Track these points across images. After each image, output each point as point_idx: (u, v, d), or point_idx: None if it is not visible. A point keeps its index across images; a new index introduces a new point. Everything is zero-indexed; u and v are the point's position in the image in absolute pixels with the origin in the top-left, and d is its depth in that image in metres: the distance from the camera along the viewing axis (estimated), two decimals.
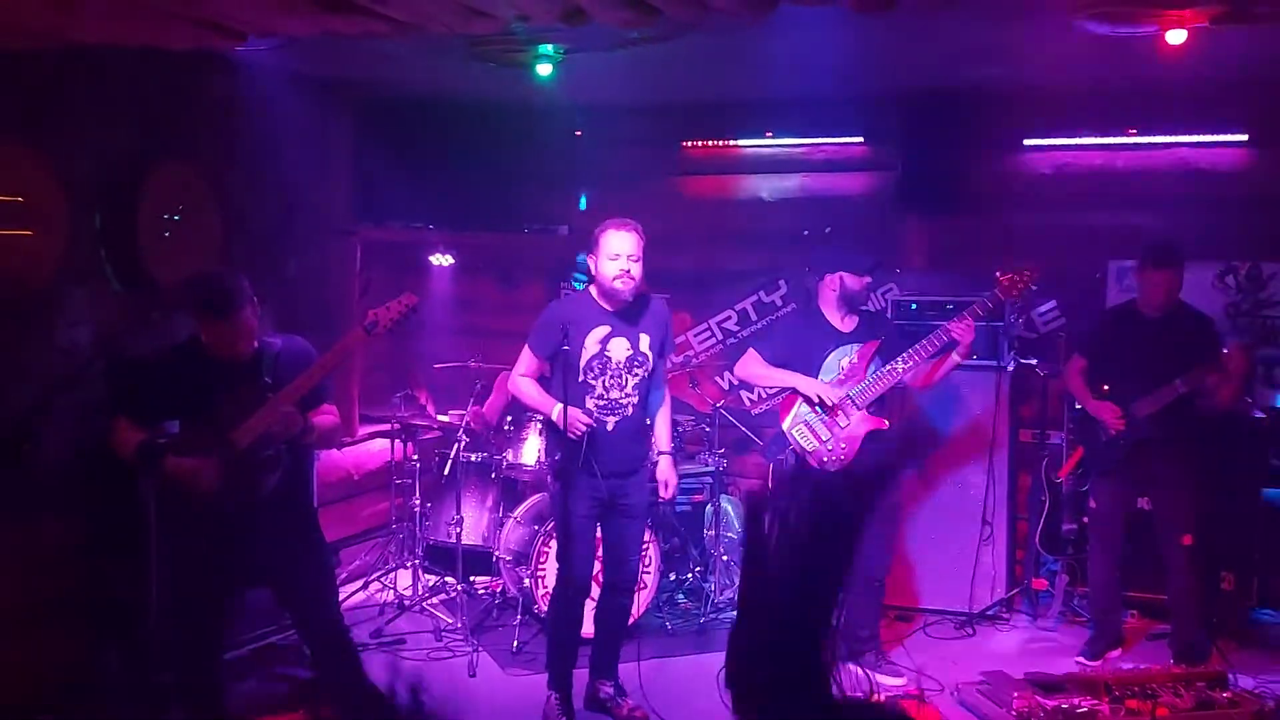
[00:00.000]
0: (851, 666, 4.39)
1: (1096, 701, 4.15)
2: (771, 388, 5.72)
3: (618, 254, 4.14)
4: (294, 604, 3.88)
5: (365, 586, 5.85)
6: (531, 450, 5.70)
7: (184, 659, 3.70)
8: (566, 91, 5.42)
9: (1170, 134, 5.86)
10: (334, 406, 3.83)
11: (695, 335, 6.81)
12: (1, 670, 3.93)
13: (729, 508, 6.07)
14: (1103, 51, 4.52)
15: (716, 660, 5.19)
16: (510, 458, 5.70)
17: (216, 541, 3.58)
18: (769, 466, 6.29)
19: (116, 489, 4.07)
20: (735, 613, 1.64)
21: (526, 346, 4.34)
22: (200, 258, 4.65)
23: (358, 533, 6.20)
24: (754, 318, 6.71)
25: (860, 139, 6.38)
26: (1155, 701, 4.11)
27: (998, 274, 4.58)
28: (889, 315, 5.72)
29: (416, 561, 5.75)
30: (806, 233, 6.43)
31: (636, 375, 4.28)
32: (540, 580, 5.13)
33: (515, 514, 5.56)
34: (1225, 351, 4.73)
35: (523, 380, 4.35)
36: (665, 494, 4.49)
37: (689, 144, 6.72)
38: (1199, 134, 5.82)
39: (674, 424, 4.91)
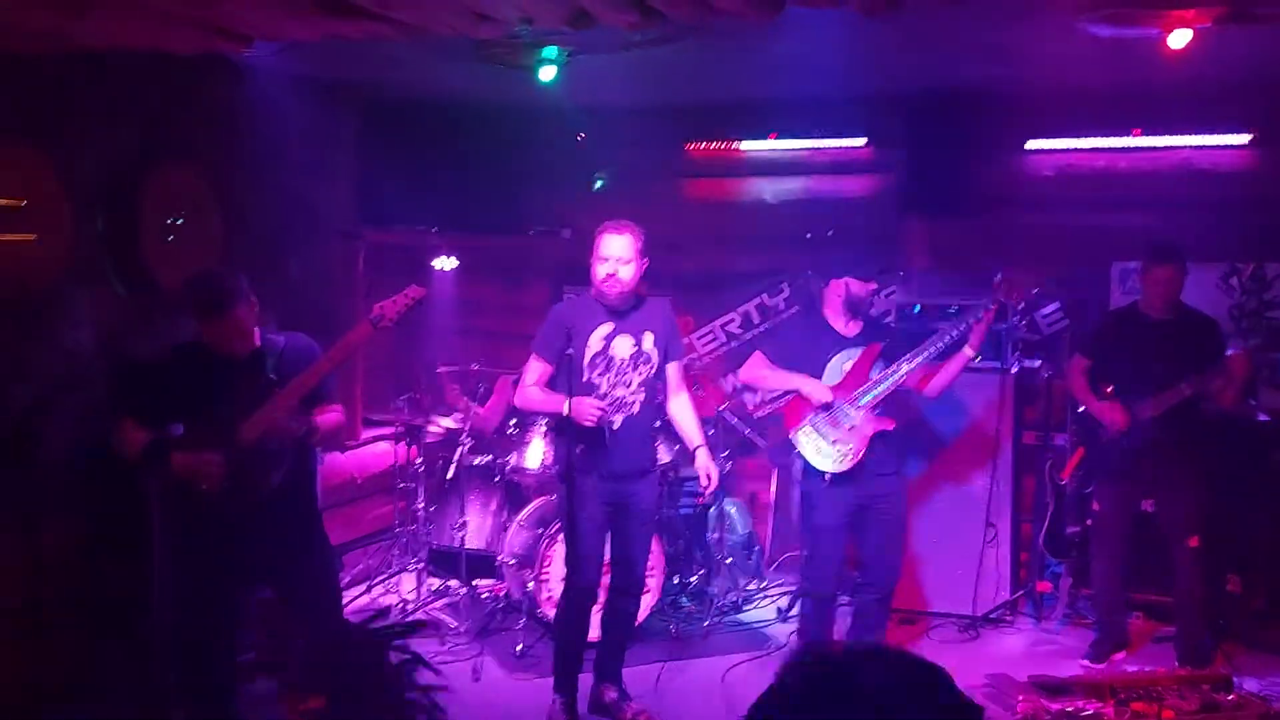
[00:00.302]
0: None
1: (1102, 704, 4.15)
2: (776, 390, 5.73)
3: (606, 256, 4.17)
4: (297, 604, 3.88)
5: (369, 590, 5.85)
6: (536, 453, 5.69)
7: (190, 659, 3.70)
8: (569, 94, 5.41)
9: (1173, 135, 5.84)
10: (339, 405, 3.83)
11: (698, 338, 6.80)
12: (4, 671, 3.93)
13: (732, 511, 6.07)
14: (1105, 53, 4.51)
15: (720, 664, 5.22)
16: (514, 461, 5.69)
17: (220, 540, 3.58)
18: (774, 470, 6.35)
19: (119, 489, 4.08)
20: None
21: (532, 355, 4.33)
22: (202, 260, 4.63)
23: (361, 536, 6.19)
24: (757, 320, 6.71)
25: (864, 141, 6.37)
26: (1160, 704, 4.11)
27: (996, 277, 4.59)
28: (892, 317, 5.73)
29: (420, 565, 5.75)
30: (810, 235, 6.43)
31: (641, 373, 4.28)
32: (544, 584, 5.12)
33: (519, 517, 5.54)
34: (1230, 354, 4.73)
35: (530, 390, 4.32)
36: (708, 484, 4.40)
37: (692, 146, 6.72)
38: (1202, 135, 5.81)
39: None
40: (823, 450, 4.51)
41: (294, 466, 3.68)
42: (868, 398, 4.53)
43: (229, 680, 3.82)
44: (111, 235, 4.44)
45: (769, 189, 6.71)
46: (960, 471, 5.61)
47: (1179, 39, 3.98)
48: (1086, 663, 4.97)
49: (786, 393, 4.75)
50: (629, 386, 4.26)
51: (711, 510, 5.90)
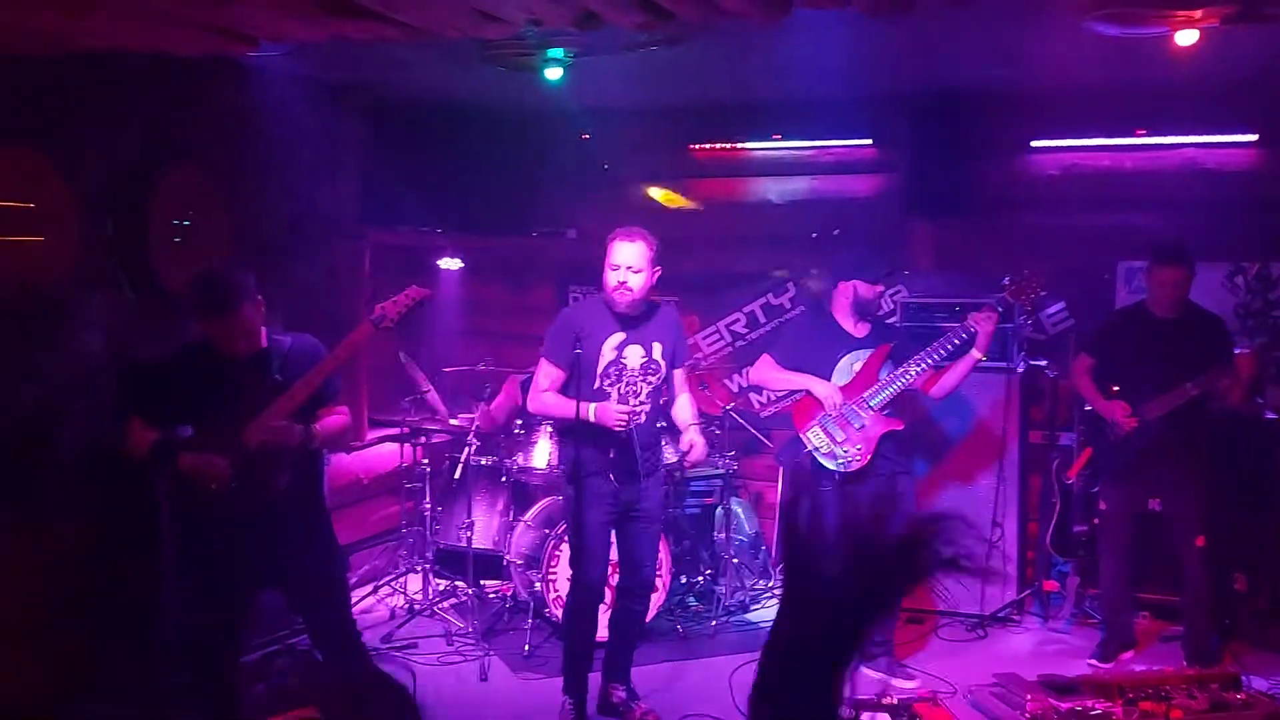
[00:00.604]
0: (864, 670, 4.38)
1: (1110, 704, 4.14)
2: (784, 391, 5.74)
3: (617, 264, 4.17)
4: (305, 607, 3.88)
5: (375, 591, 5.86)
6: (542, 453, 5.70)
7: (198, 661, 3.70)
8: (575, 94, 5.42)
9: (1178, 134, 5.83)
10: (345, 407, 3.83)
11: (704, 338, 6.80)
12: (13, 671, 3.94)
13: (739, 510, 6.08)
14: (1110, 52, 4.50)
15: (727, 663, 5.22)
16: (521, 461, 5.70)
17: (228, 541, 3.57)
18: (781, 470, 6.34)
19: (127, 491, 4.08)
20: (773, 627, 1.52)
21: (542, 359, 4.33)
22: (210, 262, 4.65)
23: (368, 537, 6.20)
24: (762, 320, 6.70)
25: (868, 141, 6.37)
26: (1169, 703, 4.09)
27: (1005, 281, 4.60)
28: (897, 317, 5.73)
29: (427, 566, 5.75)
30: (815, 235, 6.43)
31: (650, 383, 4.29)
32: (551, 584, 5.13)
33: (526, 517, 5.56)
34: (1236, 353, 4.72)
35: (545, 395, 4.31)
36: (692, 455, 4.34)
37: (697, 147, 6.72)
38: (1207, 134, 5.79)
39: None
40: (832, 451, 4.51)
41: (302, 469, 3.67)
42: (877, 399, 4.53)
43: (234, 682, 3.82)
44: (119, 237, 4.44)
45: (774, 189, 6.70)
46: (967, 471, 5.61)
47: (1186, 37, 3.97)
48: (1094, 662, 4.98)
49: (794, 392, 4.75)
50: (639, 396, 4.27)
51: (718, 510, 5.90)
